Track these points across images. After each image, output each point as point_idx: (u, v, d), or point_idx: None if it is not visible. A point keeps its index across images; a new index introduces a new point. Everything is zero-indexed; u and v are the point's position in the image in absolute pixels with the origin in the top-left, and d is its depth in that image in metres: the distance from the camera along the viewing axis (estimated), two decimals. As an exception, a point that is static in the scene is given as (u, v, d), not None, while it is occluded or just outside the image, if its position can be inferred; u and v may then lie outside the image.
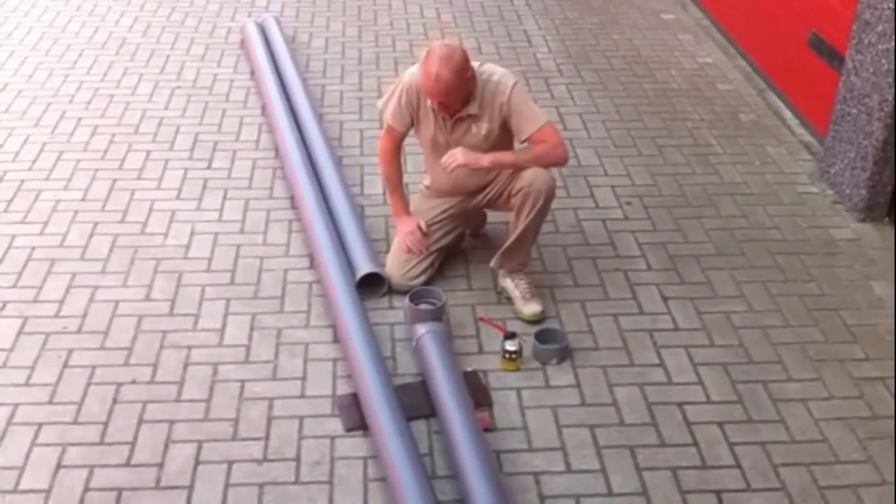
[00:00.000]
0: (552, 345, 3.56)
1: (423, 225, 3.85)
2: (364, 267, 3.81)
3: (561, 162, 3.79)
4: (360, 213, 4.23)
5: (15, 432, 3.21)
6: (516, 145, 3.82)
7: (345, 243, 3.96)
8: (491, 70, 3.67)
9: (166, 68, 5.76)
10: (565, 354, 3.57)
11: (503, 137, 3.73)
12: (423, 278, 3.86)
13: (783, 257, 4.19)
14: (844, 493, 3.06)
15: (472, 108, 3.63)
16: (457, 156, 3.62)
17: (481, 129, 3.67)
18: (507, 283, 3.82)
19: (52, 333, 3.64)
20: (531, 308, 3.73)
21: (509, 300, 3.81)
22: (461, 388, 3.27)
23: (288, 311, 3.79)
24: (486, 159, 3.63)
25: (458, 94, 3.57)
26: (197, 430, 3.24)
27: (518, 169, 3.67)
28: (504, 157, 3.70)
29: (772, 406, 3.39)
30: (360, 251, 3.90)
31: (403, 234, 3.84)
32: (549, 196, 3.68)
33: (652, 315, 3.82)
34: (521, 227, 3.71)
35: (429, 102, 3.66)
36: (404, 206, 3.92)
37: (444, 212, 3.89)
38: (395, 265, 3.85)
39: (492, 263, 3.83)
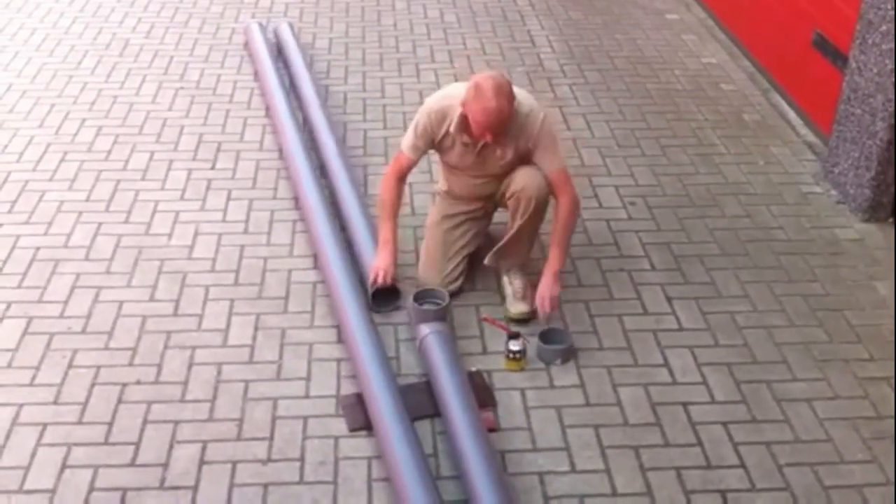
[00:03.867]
0: (556, 345, 3.56)
1: (392, 275, 3.76)
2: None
3: (579, 210, 3.80)
4: (365, 213, 4.21)
5: (20, 432, 3.21)
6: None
7: (350, 245, 3.96)
8: (519, 98, 3.61)
9: (170, 69, 5.76)
10: (569, 355, 3.57)
11: (519, 161, 3.72)
12: (460, 282, 3.86)
13: (787, 257, 4.19)
14: (849, 493, 3.06)
15: (504, 135, 3.59)
16: (551, 297, 3.63)
17: (506, 153, 3.66)
18: (504, 281, 3.83)
19: (56, 334, 3.64)
20: (517, 307, 3.74)
21: (504, 299, 3.82)
22: (465, 389, 3.27)
23: (292, 311, 3.79)
24: (557, 266, 3.67)
25: (510, 120, 3.52)
26: (201, 430, 3.24)
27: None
28: (563, 250, 3.71)
29: (776, 406, 3.39)
30: (369, 256, 3.86)
31: (378, 265, 3.73)
32: (540, 201, 3.68)
33: (656, 315, 3.82)
34: (515, 228, 3.73)
35: (452, 128, 3.61)
36: (393, 237, 3.80)
37: (470, 211, 3.89)
38: (433, 272, 3.83)
39: (487, 260, 3.83)
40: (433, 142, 3.73)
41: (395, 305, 3.80)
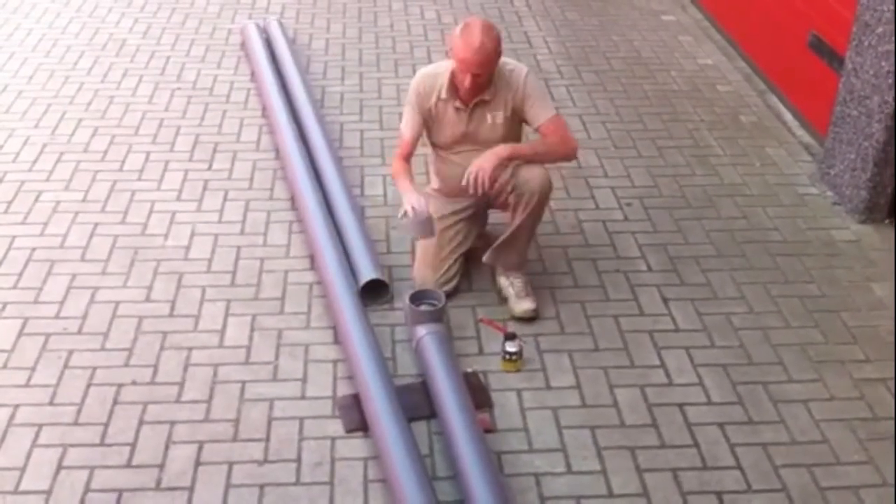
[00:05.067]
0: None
1: (424, 201, 3.67)
2: (368, 273, 3.80)
3: (573, 154, 3.81)
4: (361, 214, 4.22)
5: (15, 433, 3.20)
6: (524, 138, 3.86)
7: (346, 246, 3.96)
8: (503, 59, 3.70)
9: (166, 70, 5.76)
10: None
11: (514, 128, 3.77)
12: (456, 281, 3.87)
13: (783, 258, 4.19)
14: (845, 494, 3.06)
15: (487, 94, 3.66)
16: (482, 167, 3.54)
17: (497, 117, 3.70)
18: (503, 281, 3.83)
19: (52, 334, 3.64)
20: (523, 306, 3.74)
21: (506, 299, 3.81)
22: (461, 389, 3.27)
23: (288, 312, 3.79)
24: (505, 151, 3.61)
25: (493, 67, 3.58)
26: (197, 431, 3.24)
27: (530, 161, 3.67)
28: (521, 147, 3.71)
29: (772, 407, 3.39)
30: (362, 255, 3.89)
31: (413, 202, 3.60)
32: (544, 195, 3.69)
33: (652, 316, 3.82)
34: (515, 223, 3.72)
35: (444, 94, 3.66)
36: (415, 187, 3.73)
37: (462, 210, 3.89)
38: (428, 272, 3.83)
39: (485, 258, 3.84)
40: (426, 113, 3.73)
41: (385, 299, 3.82)
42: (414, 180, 3.79)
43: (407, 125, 3.78)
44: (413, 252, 4.03)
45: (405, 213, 3.64)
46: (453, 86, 3.67)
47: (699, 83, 5.77)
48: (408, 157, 3.81)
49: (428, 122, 3.78)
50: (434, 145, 3.87)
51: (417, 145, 3.84)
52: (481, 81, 3.61)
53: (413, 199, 3.63)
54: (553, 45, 6.22)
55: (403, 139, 3.79)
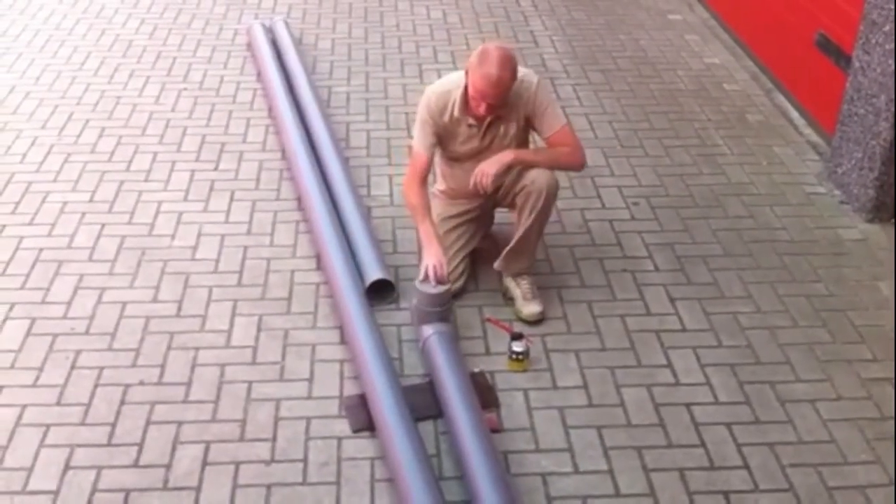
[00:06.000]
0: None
1: (444, 261, 3.67)
2: (374, 273, 3.80)
3: (578, 166, 3.83)
4: (367, 214, 4.23)
5: (23, 433, 3.21)
6: (531, 145, 3.87)
7: (353, 246, 3.96)
8: None
9: (173, 70, 5.77)
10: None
11: (524, 136, 3.77)
12: (461, 282, 3.86)
13: (791, 258, 4.18)
14: (852, 494, 3.06)
15: (500, 110, 3.63)
16: (486, 172, 3.58)
17: (509, 129, 3.69)
18: (510, 283, 3.82)
19: (59, 335, 3.64)
20: (530, 308, 3.73)
21: (512, 300, 3.81)
22: (468, 389, 3.27)
23: (295, 312, 3.79)
24: (508, 156, 3.62)
25: (509, 93, 3.56)
26: (204, 431, 3.24)
27: (533, 167, 3.67)
28: (526, 153, 3.72)
29: (780, 407, 3.39)
30: (369, 255, 3.90)
31: (434, 262, 3.60)
32: (551, 195, 3.68)
33: (659, 316, 3.82)
34: (523, 227, 3.71)
35: (457, 113, 3.63)
36: (436, 233, 3.71)
37: (467, 211, 3.89)
38: None
39: (496, 265, 3.83)
40: (440, 130, 3.69)
41: (391, 299, 3.82)
42: (433, 221, 3.71)
43: (421, 145, 3.69)
44: (419, 252, 4.03)
45: (426, 277, 3.58)
46: (466, 103, 3.63)
47: (706, 82, 5.76)
48: (424, 179, 3.72)
49: (441, 138, 3.74)
50: (444, 154, 3.87)
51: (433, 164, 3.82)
52: (498, 107, 3.58)
53: (434, 258, 3.59)
54: (559, 45, 6.22)
55: (419, 160, 3.70)
